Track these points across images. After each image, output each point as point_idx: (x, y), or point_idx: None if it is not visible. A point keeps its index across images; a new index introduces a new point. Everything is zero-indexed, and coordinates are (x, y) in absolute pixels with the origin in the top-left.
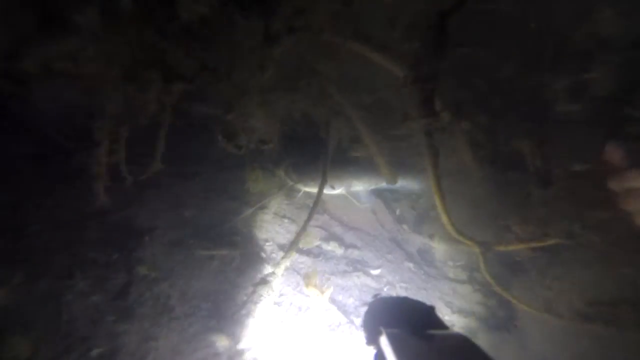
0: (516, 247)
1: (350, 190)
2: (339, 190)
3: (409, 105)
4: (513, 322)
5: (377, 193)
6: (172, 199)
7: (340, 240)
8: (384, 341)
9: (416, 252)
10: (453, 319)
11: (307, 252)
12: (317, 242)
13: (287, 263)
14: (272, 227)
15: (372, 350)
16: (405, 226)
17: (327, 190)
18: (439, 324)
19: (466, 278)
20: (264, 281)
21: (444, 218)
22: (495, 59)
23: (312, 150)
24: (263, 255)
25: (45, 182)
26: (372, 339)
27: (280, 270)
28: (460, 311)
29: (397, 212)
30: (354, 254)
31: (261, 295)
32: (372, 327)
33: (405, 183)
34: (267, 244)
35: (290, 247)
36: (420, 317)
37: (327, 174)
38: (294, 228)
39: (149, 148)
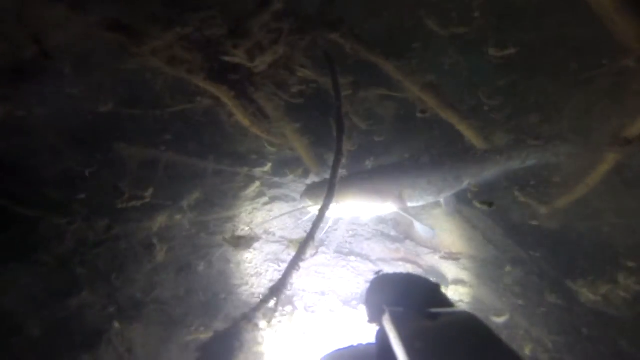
0: None
1: (405, 208)
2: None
3: None
4: None
5: (460, 199)
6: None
7: (437, 276)
8: (386, 319)
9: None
10: None
11: None
12: None
13: None
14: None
15: (374, 328)
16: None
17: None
18: (445, 302)
19: None
20: None
21: None
22: None
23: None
24: None
25: None
26: (375, 317)
27: None
28: None
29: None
30: (465, 296)
31: None
32: (375, 304)
33: None
34: None
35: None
36: (424, 294)
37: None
38: None
39: None
